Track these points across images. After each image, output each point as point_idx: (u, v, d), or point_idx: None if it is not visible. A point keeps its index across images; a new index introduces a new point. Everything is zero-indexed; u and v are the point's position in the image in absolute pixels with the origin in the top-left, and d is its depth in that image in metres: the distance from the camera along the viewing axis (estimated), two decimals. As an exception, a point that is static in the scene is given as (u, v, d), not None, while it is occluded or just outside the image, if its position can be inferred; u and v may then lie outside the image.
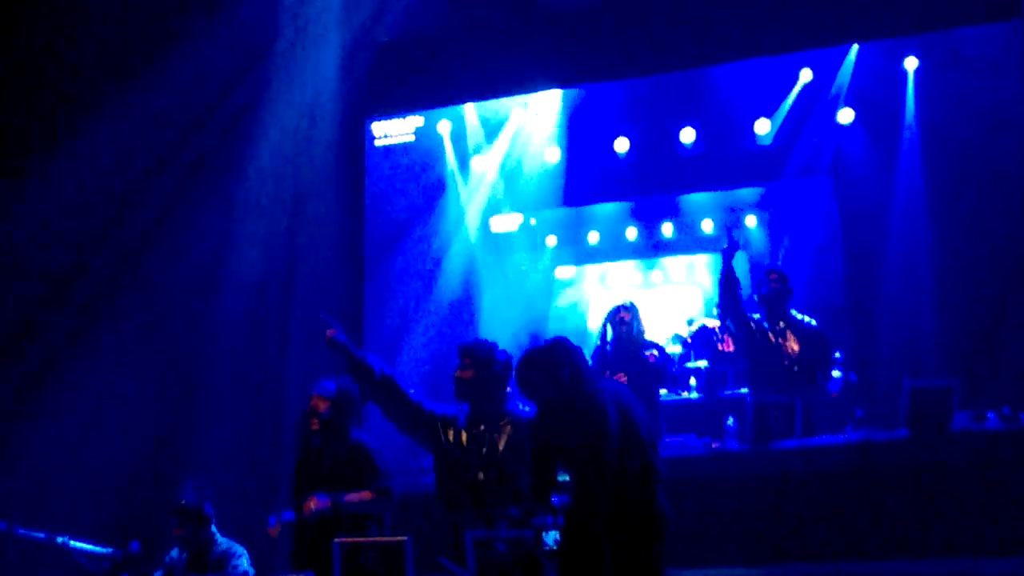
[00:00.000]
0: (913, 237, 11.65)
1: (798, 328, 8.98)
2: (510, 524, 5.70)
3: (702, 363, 12.69)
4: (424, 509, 7.72)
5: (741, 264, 15.42)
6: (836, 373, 9.11)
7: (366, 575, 5.64)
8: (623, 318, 9.65)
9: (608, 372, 9.18)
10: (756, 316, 9.25)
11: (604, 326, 9.85)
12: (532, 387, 5.66)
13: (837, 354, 9.05)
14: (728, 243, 9.24)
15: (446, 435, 6.59)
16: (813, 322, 9.05)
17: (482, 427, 6.50)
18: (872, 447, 7.70)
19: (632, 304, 9.88)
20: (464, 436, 6.56)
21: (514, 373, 5.84)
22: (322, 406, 6.95)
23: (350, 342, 6.69)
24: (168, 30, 10.86)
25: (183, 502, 7.06)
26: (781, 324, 8.99)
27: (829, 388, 8.93)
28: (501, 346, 6.64)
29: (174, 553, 7.26)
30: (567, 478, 5.63)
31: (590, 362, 9.56)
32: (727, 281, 9.14)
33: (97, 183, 10.70)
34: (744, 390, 9.92)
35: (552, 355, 5.66)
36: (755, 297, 9.35)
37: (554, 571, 5.38)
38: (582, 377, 5.60)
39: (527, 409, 6.52)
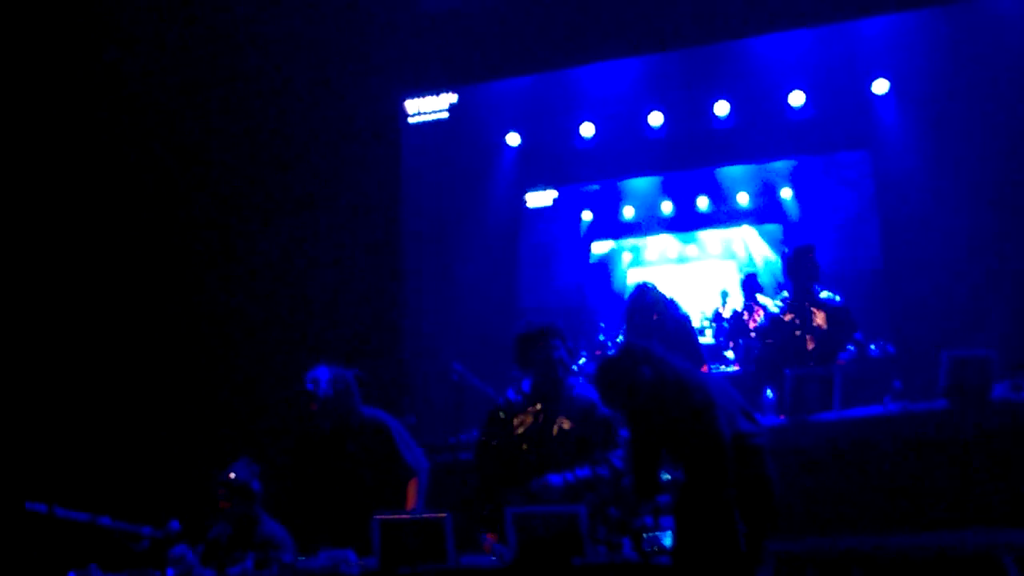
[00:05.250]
0: (950, 207, 11.59)
1: (824, 306, 8.91)
2: (609, 528, 5.73)
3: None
4: (463, 485, 7.75)
5: (776, 238, 15.53)
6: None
7: (406, 551, 5.66)
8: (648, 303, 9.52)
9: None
10: (783, 295, 9.21)
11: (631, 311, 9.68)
12: (616, 394, 5.63)
13: (857, 334, 8.93)
14: None
15: (507, 427, 6.60)
16: (837, 298, 8.99)
17: (539, 406, 6.50)
18: (910, 418, 7.66)
19: (649, 285, 9.71)
20: (523, 418, 6.56)
21: (596, 385, 5.74)
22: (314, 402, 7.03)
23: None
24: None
25: (232, 476, 7.10)
26: (807, 303, 8.94)
27: (840, 356, 8.80)
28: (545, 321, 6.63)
29: (219, 529, 7.28)
30: (668, 477, 5.68)
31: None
32: None
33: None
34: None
35: (627, 358, 5.64)
36: (784, 275, 9.25)
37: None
38: (667, 367, 5.60)
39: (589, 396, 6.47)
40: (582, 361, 12.71)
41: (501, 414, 6.65)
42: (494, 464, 6.59)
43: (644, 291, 9.54)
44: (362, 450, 7.01)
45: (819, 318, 8.87)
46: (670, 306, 9.56)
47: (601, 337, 14.70)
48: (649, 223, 16.84)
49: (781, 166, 15.41)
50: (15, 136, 10.28)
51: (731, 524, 5.24)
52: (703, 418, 5.36)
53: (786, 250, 9.26)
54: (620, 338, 13.42)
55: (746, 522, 5.33)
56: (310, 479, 7.16)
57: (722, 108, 13.14)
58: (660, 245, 17.60)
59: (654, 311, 9.38)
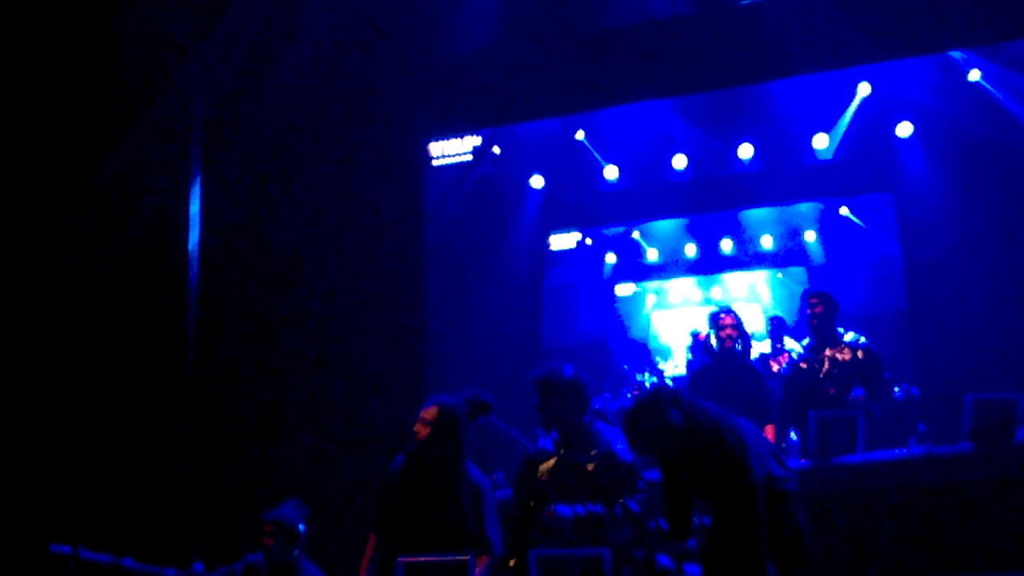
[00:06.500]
0: (975, 249, 11.57)
1: (845, 346, 8.87)
2: (634, 570, 5.76)
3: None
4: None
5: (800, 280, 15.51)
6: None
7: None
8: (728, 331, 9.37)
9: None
10: (806, 341, 9.19)
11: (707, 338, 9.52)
12: (645, 439, 5.65)
13: (885, 373, 8.87)
14: None
15: (537, 477, 6.57)
16: (862, 339, 8.95)
17: (564, 452, 6.49)
18: (934, 461, 7.64)
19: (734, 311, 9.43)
20: (552, 463, 6.55)
21: (624, 429, 5.76)
22: (422, 432, 6.49)
23: None
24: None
25: (279, 514, 7.10)
26: (828, 349, 8.91)
27: (853, 394, 8.70)
28: (565, 364, 6.61)
29: (245, 561, 7.23)
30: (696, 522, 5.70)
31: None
32: None
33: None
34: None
35: (655, 402, 5.66)
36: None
37: None
38: (698, 410, 5.63)
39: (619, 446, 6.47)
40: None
41: (528, 466, 6.65)
42: (522, 527, 6.56)
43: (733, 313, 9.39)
44: (458, 508, 6.47)
45: (840, 358, 8.84)
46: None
47: (639, 376, 14.69)
48: (673, 266, 16.85)
49: (805, 209, 15.40)
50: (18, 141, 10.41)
51: (761, 568, 5.24)
52: (736, 462, 5.37)
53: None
54: (651, 379, 13.43)
55: (775, 566, 5.33)
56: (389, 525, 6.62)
57: (746, 151, 13.16)
58: (684, 288, 17.60)
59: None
